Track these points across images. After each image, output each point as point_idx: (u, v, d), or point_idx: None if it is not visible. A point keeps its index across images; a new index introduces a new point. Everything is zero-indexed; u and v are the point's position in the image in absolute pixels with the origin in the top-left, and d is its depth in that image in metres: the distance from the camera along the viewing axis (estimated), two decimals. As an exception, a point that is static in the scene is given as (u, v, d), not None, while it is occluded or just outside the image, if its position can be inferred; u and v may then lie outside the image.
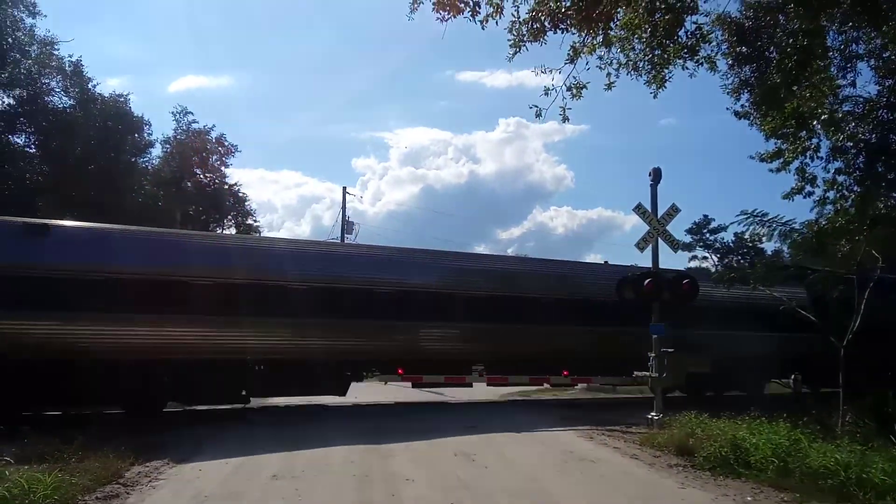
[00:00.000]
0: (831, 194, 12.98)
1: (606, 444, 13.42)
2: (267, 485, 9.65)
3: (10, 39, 27.34)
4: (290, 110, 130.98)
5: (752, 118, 15.14)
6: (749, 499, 9.22)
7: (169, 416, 16.62)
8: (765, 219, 13.39)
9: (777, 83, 12.34)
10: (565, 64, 10.57)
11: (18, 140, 29.36)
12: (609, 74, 10.79)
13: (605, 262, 24.72)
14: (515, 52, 10.30)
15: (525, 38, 10.13)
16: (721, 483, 10.14)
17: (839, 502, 8.84)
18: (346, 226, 40.62)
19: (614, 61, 10.84)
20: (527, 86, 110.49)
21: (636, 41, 10.72)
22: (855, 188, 13.01)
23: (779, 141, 13.66)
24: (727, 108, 15.82)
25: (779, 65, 12.37)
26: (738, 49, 13.93)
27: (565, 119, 10.49)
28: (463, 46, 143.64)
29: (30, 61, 28.23)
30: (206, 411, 17.31)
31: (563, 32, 10.20)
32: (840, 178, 13.14)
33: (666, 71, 10.96)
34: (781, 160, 13.40)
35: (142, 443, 12.06)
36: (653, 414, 14.92)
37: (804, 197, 13.44)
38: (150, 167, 36.33)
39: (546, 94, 10.44)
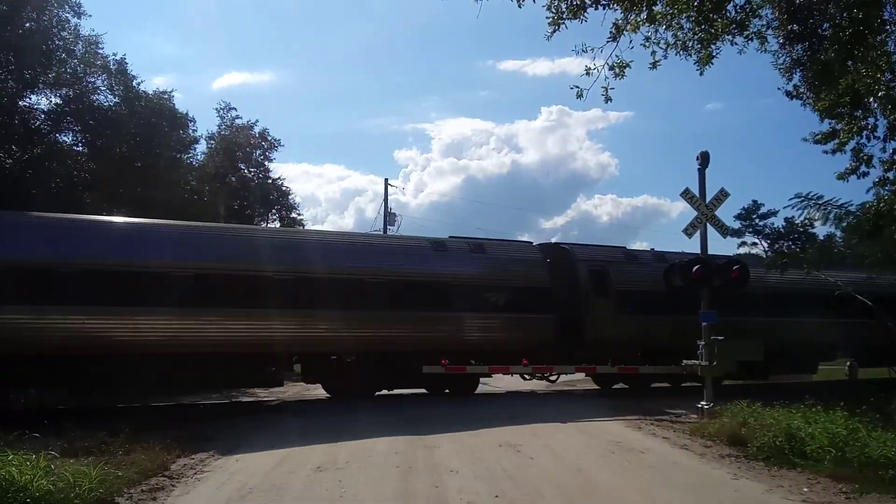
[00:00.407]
0: (892, 174, 12.41)
1: (655, 434, 13.14)
2: (311, 477, 9.61)
3: (56, 40, 27.71)
4: (332, 105, 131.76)
5: (804, 98, 14.62)
6: (805, 490, 8.91)
7: (212, 407, 16.76)
8: (820, 202, 12.96)
9: (831, 58, 11.83)
10: (607, 42, 10.25)
11: (65, 138, 29.84)
12: (654, 53, 10.44)
13: (651, 249, 24.28)
14: (554, 31, 10.00)
15: (564, 16, 9.83)
16: (775, 474, 9.83)
17: (902, 493, 8.49)
18: (389, 217, 40.66)
19: (661, 41, 10.48)
20: (569, 73, 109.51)
21: (683, 18, 10.34)
22: (916, 168, 12.47)
23: (833, 121, 13.14)
24: (779, 89, 15.34)
25: (833, 39, 11.84)
26: (789, 27, 13.39)
27: (608, 99, 10.18)
28: (503, 35, 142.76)
29: (75, 60, 28.54)
30: (246, 404, 17.45)
31: (604, 9, 9.91)
32: (898, 158, 12.59)
33: (713, 47, 10.57)
34: (836, 141, 12.86)
35: (187, 435, 12.15)
36: (703, 403, 14.58)
37: (858, 178, 12.90)
38: (195, 163, 36.70)
39: (587, 73, 10.13)
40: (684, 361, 16.25)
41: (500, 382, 22.05)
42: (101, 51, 29.27)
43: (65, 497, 7.64)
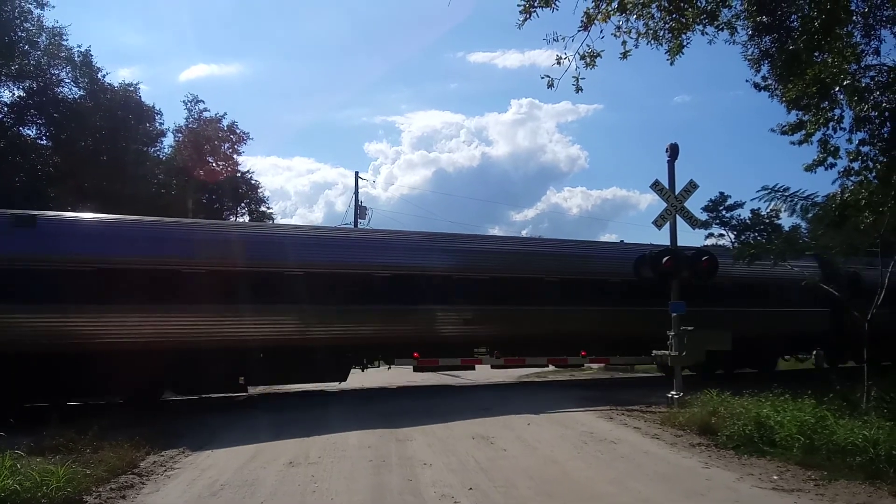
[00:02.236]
0: (856, 165, 12.58)
1: (626, 424, 13.22)
2: (282, 472, 9.53)
3: (18, 31, 27.23)
4: (301, 97, 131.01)
5: (772, 89, 14.79)
6: (775, 477, 9.02)
7: (181, 405, 16.56)
8: (786, 193, 13.12)
9: (799, 49, 11.98)
10: (578, 31, 10.19)
11: (29, 132, 29.39)
12: (625, 42, 10.45)
13: (622, 241, 24.52)
14: (525, 19, 9.95)
15: (536, 4, 9.78)
16: (746, 462, 9.95)
17: (868, 480, 8.63)
18: (359, 211, 40.51)
19: (633, 31, 10.50)
20: (539, 66, 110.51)
21: (654, 8, 10.37)
22: (881, 158, 12.62)
23: (800, 112, 13.30)
24: (746, 81, 15.56)
25: (802, 28, 11.98)
26: (758, 18, 13.54)
27: (578, 89, 10.12)
28: (473, 26, 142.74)
29: (39, 52, 28.16)
30: (216, 400, 17.25)
31: None
32: (864, 150, 12.73)
33: (683, 37, 10.62)
34: (803, 132, 13.01)
35: (157, 432, 12.00)
36: (673, 393, 14.70)
37: (826, 169, 13.05)
38: (162, 156, 36.29)
39: (558, 63, 10.06)
40: (654, 352, 16.37)
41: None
42: (65, 42, 29.01)
43: (32, 496, 7.52)
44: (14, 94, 28.30)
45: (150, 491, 8.72)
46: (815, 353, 21.74)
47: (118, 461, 9.64)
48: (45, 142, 29.52)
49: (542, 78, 10.23)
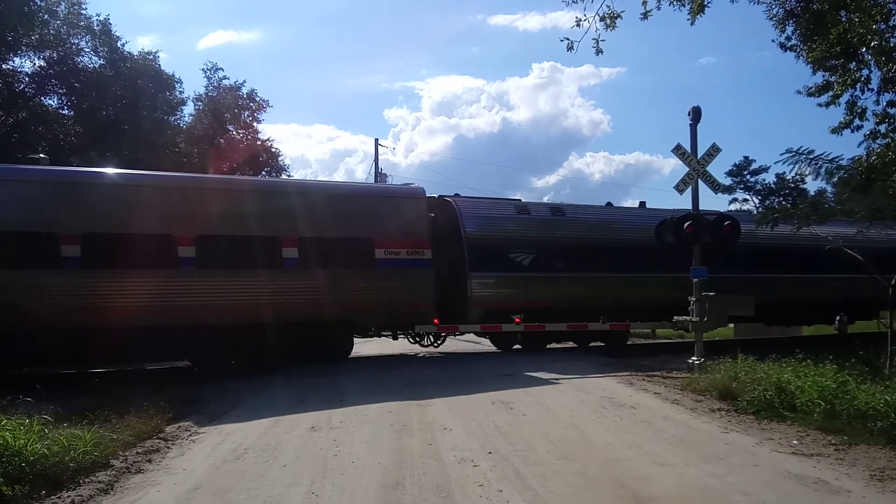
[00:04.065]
0: (883, 127, 12.32)
1: (646, 389, 13.23)
2: (305, 436, 9.66)
3: (38, 1, 27.24)
4: (321, 63, 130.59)
5: (797, 50, 14.53)
6: (795, 442, 9.00)
7: (203, 373, 16.76)
8: (811, 156, 12.91)
9: (824, 7, 11.70)
10: None
11: (50, 102, 29.58)
12: (646, 2, 10.27)
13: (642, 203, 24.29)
14: None
15: None
16: (765, 427, 9.93)
17: (889, 444, 8.59)
18: (379, 178, 40.53)
19: None
20: (561, 28, 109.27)
21: None
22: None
23: (827, 73, 13.03)
24: (772, 41, 15.25)
25: None
26: (781, -25, 13.31)
27: (599, 52, 10.02)
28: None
29: (58, 22, 28.18)
30: (237, 368, 17.42)
31: None
32: (892, 111, 12.45)
33: None
34: (830, 94, 12.73)
35: (182, 398, 12.21)
36: (694, 358, 14.69)
37: (852, 131, 12.81)
38: (182, 125, 36.38)
39: (578, 25, 9.96)
40: (675, 317, 16.33)
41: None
42: (84, 11, 28.94)
43: (60, 460, 7.65)
44: (35, 64, 28.48)
45: (175, 455, 8.87)
46: (838, 318, 21.54)
47: (144, 426, 9.81)
48: (66, 111, 29.69)
49: (562, 41, 10.12)
